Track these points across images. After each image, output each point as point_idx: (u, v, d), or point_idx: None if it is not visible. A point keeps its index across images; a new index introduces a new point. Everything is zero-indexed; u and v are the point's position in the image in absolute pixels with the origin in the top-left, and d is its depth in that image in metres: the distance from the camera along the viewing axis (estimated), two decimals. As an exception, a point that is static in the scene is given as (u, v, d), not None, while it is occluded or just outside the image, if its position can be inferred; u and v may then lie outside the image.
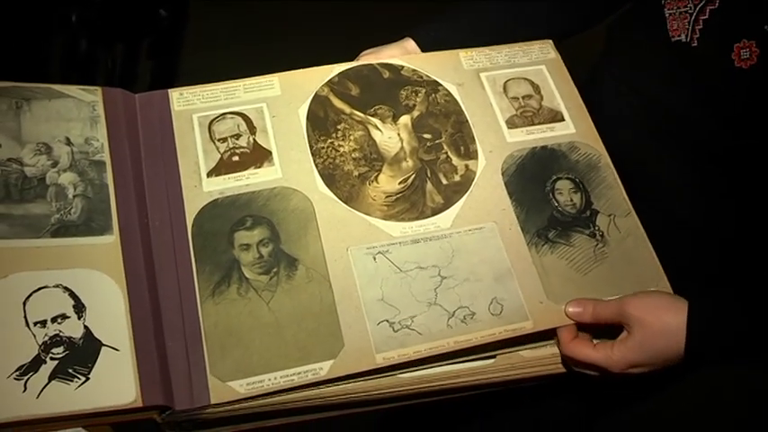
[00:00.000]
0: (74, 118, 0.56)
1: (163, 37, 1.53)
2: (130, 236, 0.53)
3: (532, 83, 0.65)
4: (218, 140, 0.58)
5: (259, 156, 0.58)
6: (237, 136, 0.59)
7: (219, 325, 0.51)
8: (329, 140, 0.60)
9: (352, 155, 0.60)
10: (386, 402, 0.54)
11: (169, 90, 0.60)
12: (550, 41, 0.68)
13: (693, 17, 0.57)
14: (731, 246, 0.63)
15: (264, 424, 0.52)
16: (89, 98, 0.57)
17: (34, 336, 0.47)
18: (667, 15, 0.60)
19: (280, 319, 0.52)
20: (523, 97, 0.64)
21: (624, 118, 0.65)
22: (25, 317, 0.47)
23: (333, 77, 0.63)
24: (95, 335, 0.48)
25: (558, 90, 0.65)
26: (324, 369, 0.50)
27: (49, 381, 0.45)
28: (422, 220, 0.57)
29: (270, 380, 0.49)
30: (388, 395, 0.53)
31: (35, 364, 0.46)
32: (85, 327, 0.48)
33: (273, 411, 0.51)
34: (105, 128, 0.56)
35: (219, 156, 0.58)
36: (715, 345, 0.51)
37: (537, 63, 0.66)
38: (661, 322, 0.50)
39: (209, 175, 0.57)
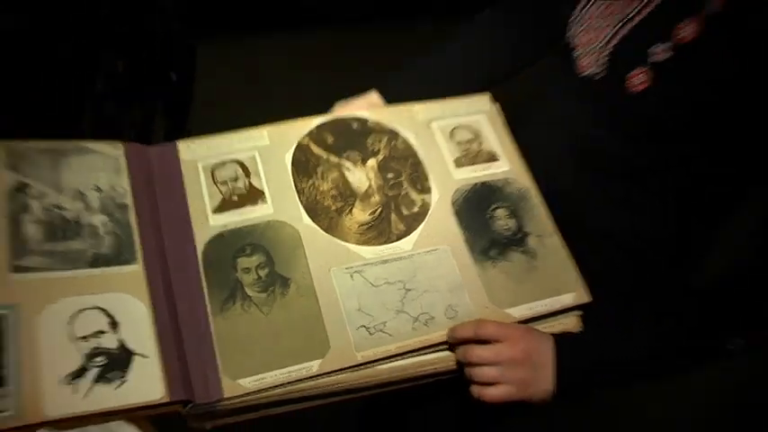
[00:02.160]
0: (102, 169, 0.63)
1: (173, 96, 1.66)
2: (152, 264, 0.60)
3: (473, 129, 0.74)
4: (220, 183, 0.66)
5: (254, 195, 0.66)
6: (236, 179, 0.66)
7: (228, 334, 0.58)
8: (311, 181, 0.68)
9: (330, 192, 0.68)
10: (367, 390, 0.61)
11: (178, 142, 0.67)
12: (488, 95, 0.77)
13: (598, 54, 0.66)
14: (640, 255, 0.72)
15: (269, 413, 0.59)
16: (114, 152, 0.64)
17: (79, 349, 0.53)
18: (576, 55, 0.68)
19: (277, 328, 0.59)
20: (466, 142, 0.73)
21: (548, 148, 0.73)
22: (71, 334, 0.54)
23: (312, 129, 0.71)
24: (128, 346, 0.55)
25: (495, 135, 0.74)
26: (314, 366, 0.58)
27: (94, 384, 0.52)
28: (389, 245, 0.65)
29: (271, 376, 0.56)
30: (368, 384, 0.60)
31: (81, 371, 0.52)
32: (120, 340, 0.55)
33: (275, 402, 0.58)
34: (127, 176, 0.63)
35: (222, 196, 0.65)
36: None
37: (477, 113, 0.75)
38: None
39: (214, 212, 0.64)
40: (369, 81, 0.79)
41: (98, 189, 0.62)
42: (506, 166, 0.72)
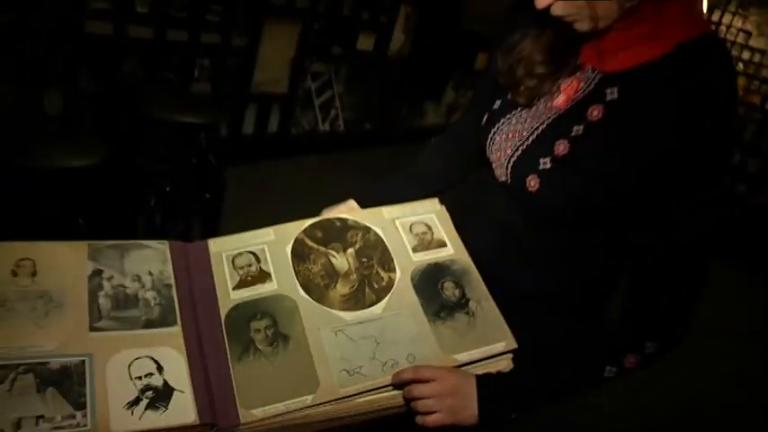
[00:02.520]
0: (153, 259, 0.85)
1: (207, 210, 2.06)
2: (188, 326, 0.80)
3: (427, 224, 0.96)
4: (238, 268, 0.87)
5: (263, 276, 0.87)
6: (250, 265, 0.88)
7: (243, 376, 0.77)
8: (305, 265, 0.89)
9: (320, 273, 0.89)
10: (349, 417, 0.78)
11: (208, 240, 0.90)
12: (436, 199, 0.99)
13: (505, 166, 0.87)
14: (552, 308, 0.90)
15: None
16: (162, 248, 0.86)
17: (135, 385, 0.72)
18: (494, 167, 0.90)
19: (280, 372, 0.78)
20: (422, 233, 0.95)
21: (483, 235, 0.93)
22: (129, 375, 0.73)
23: (306, 227, 0.93)
24: (170, 384, 0.73)
25: (443, 228, 0.96)
26: (308, 399, 0.76)
27: (145, 410, 0.70)
28: (364, 310, 0.85)
29: (275, 407, 0.74)
30: (349, 413, 0.78)
31: (136, 401, 0.70)
32: (164, 380, 0.73)
33: (281, 427, 0.75)
34: (171, 265, 0.85)
35: (239, 277, 0.86)
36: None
37: (429, 213, 0.98)
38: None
39: (233, 289, 0.85)
40: (347, 192, 1.04)
41: (150, 273, 0.83)
42: (452, 250, 0.94)
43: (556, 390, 0.81)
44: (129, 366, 0.73)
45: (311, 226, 0.93)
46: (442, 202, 1.00)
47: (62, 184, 1.46)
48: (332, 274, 0.89)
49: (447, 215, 0.98)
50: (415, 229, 0.95)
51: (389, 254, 0.92)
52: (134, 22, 2.67)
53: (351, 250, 0.92)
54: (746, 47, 10.21)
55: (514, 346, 0.84)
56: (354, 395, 0.78)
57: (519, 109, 0.87)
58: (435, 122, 5.58)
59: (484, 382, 0.79)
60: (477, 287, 0.90)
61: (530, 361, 0.82)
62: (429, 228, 0.96)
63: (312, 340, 0.81)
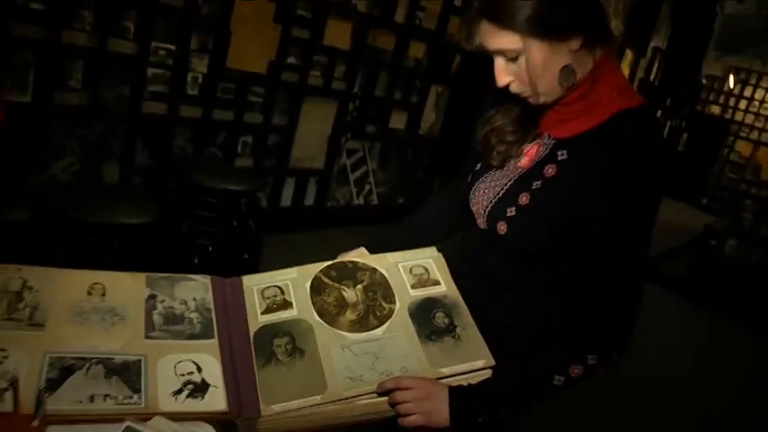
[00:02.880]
0: (197, 289, 1.06)
1: (244, 269, 2.34)
2: (223, 340, 0.99)
3: (425, 267, 1.15)
4: (266, 298, 1.07)
5: (286, 305, 1.06)
6: (275, 296, 1.08)
7: (266, 380, 0.95)
8: (320, 297, 1.08)
9: (332, 303, 1.08)
10: (353, 417, 0.95)
11: (243, 276, 1.10)
12: (434, 247, 1.19)
13: (483, 216, 1.05)
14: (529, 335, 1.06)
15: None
16: (204, 281, 1.07)
17: (179, 380, 0.91)
18: (476, 217, 1.08)
19: (296, 377, 0.96)
20: (420, 274, 1.13)
21: (470, 273, 1.11)
22: (175, 372, 0.92)
23: (323, 268, 1.13)
24: (206, 381, 0.92)
25: (438, 271, 1.14)
26: (317, 398, 0.93)
27: (186, 398, 0.89)
28: (368, 332, 1.04)
29: (291, 404, 0.92)
30: (352, 413, 0.95)
31: (180, 391, 0.89)
32: (202, 378, 0.92)
33: (294, 423, 0.92)
34: (211, 293, 1.06)
35: (266, 305, 1.06)
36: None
37: (427, 258, 1.16)
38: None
39: (261, 314, 1.04)
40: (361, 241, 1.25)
41: (194, 299, 1.04)
42: (445, 287, 1.12)
43: (515, 395, 0.96)
44: (174, 366, 0.93)
45: (328, 267, 1.13)
46: (440, 251, 1.19)
47: (120, 237, 1.71)
48: (342, 305, 1.08)
49: (443, 260, 1.16)
50: (414, 270, 1.14)
51: (391, 289, 1.11)
52: (185, 103, 3.03)
53: (359, 286, 1.11)
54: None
55: (493, 363, 1.00)
56: (355, 397, 0.95)
57: (494, 169, 1.07)
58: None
59: (455, 390, 0.96)
60: (464, 317, 1.07)
61: (494, 373, 0.98)
62: (426, 270, 1.15)
63: (323, 354, 0.99)
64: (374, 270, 1.14)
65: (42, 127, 2.52)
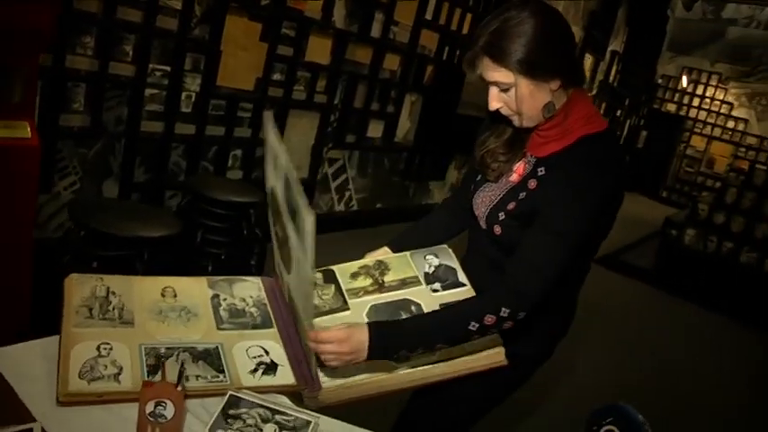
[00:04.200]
0: (251, 288, 1.26)
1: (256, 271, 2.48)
2: (281, 328, 1.19)
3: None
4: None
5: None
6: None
7: (320, 359, 1.15)
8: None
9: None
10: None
11: (286, 275, 1.30)
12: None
13: (483, 219, 1.28)
14: None
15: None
16: (257, 281, 1.27)
17: (252, 362, 1.10)
18: (478, 219, 1.31)
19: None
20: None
21: (477, 262, 1.33)
22: (248, 355, 1.11)
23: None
24: (275, 361, 1.12)
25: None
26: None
27: (261, 375, 1.08)
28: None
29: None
30: (401, 382, 1.16)
31: (255, 370, 1.09)
32: (271, 359, 1.12)
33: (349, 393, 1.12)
34: (264, 291, 1.26)
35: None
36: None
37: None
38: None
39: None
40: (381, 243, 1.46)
41: (251, 297, 1.24)
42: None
43: (431, 335, 1.11)
44: (246, 350, 1.12)
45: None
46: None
47: (146, 249, 1.87)
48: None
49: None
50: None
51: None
52: (180, 121, 3.18)
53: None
54: (730, 116, 10.98)
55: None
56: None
57: (490, 182, 1.30)
58: (441, 200, 6.07)
59: (374, 329, 1.08)
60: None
61: (415, 316, 1.19)
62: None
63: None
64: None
65: (50, 149, 2.65)
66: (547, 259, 1.11)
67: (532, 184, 1.20)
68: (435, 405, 1.36)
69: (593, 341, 3.64)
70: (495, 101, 1.17)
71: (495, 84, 1.15)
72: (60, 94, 2.64)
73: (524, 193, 1.20)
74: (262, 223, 2.42)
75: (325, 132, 4.18)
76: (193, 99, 3.21)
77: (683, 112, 11.37)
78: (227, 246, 2.33)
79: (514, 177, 1.25)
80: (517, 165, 1.26)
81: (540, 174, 1.20)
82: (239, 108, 3.48)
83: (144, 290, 1.19)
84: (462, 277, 1.32)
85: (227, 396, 0.98)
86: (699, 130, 11.28)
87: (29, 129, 1.94)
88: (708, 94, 11.16)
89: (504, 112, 1.19)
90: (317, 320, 1.21)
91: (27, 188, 1.96)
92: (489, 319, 1.10)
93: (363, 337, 1.08)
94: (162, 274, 1.27)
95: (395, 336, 1.10)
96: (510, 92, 1.14)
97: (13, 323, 1.99)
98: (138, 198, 3.15)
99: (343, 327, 1.08)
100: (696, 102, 11.24)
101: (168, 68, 3.02)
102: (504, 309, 1.10)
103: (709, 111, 11.16)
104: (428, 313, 1.20)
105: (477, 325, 1.10)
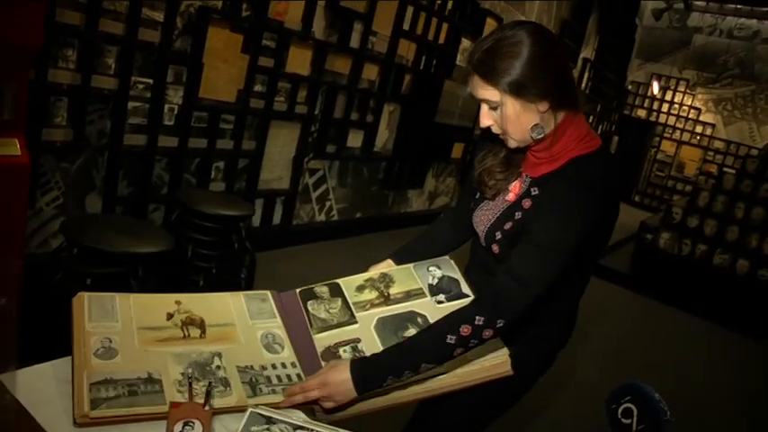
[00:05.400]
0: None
1: (243, 286, 2.48)
2: (291, 321, 1.23)
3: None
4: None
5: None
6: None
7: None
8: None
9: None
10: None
11: (296, 290, 1.34)
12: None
13: (482, 236, 1.33)
14: None
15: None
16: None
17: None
18: (479, 234, 1.37)
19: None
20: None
21: (474, 271, 1.38)
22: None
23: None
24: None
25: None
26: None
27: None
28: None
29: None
30: (417, 392, 1.19)
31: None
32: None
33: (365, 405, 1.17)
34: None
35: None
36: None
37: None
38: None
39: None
40: (342, 273, 1.51)
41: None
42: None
43: (413, 357, 1.11)
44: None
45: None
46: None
47: (140, 265, 1.89)
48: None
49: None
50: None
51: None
52: (162, 133, 3.19)
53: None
54: (698, 121, 11.34)
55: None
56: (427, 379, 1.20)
57: (488, 200, 1.35)
58: (419, 208, 6.15)
59: (356, 365, 1.09)
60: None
61: (398, 343, 1.17)
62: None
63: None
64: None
65: (33, 164, 2.63)
66: (529, 271, 1.13)
67: (527, 203, 1.25)
68: (443, 412, 1.42)
69: (571, 343, 3.73)
70: (486, 118, 1.21)
71: (485, 101, 1.19)
72: (43, 108, 2.63)
73: (519, 213, 1.24)
74: (252, 236, 2.45)
75: (306, 143, 4.22)
76: (176, 111, 3.22)
77: (653, 118, 11.69)
78: (217, 259, 2.35)
79: (511, 196, 1.30)
80: (513, 183, 1.31)
81: (533, 194, 1.24)
82: (221, 120, 3.50)
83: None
84: (466, 288, 1.37)
85: (248, 413, 1.02)
86: (669, 135, 11.62)
87: (18, 146, 1.93)
88: (676, 99, 11.51)
89: (495, 130, 1.23)
90: (326, 335, 1.25)
91: (17, 206, 1.96)
92: (465, 329, 1.10)
93: (344, 374, 1.09)
94: (156, 290, 1.30)
95: (374, 364, 1.11)
96: (498, 110, 1.17)
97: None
98: (122, 212, 3.14)
99: (323, 370, 1.12)
100: (666, 107, 11.57)
101: (151, 81, 3.03)
102: (478, 317, 1.11)
103: (678, 116, 11.51)
104: (410, 336, 1.19)
105: (455, 337, 1.11)
